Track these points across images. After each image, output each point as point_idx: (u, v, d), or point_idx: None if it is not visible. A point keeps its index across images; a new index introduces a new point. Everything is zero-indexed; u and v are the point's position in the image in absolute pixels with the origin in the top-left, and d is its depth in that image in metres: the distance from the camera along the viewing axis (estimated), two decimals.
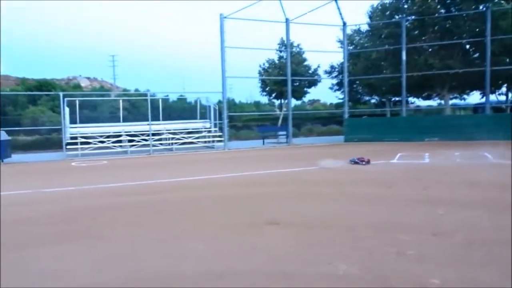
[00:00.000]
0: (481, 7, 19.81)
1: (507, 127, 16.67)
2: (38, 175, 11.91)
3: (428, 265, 3.72)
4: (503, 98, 25.76)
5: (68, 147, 16.59)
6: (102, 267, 3.93)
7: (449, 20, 21.21)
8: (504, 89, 24.62)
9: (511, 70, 20.36)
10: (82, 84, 58.30)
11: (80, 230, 5.33)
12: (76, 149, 16.77)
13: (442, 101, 24.55)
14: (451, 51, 21.17)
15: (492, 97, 23.59)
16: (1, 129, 15.78)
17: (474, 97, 26.25)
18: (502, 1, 20.54)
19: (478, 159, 11.50)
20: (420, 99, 27.89)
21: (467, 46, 21.86)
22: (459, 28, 20.74)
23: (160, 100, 20.92)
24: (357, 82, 26.65)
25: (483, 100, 21.43)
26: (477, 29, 20.13)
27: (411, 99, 27.47)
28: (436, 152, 13.56)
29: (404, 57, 20.09)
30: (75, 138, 17.01)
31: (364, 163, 10.89)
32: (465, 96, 26.13)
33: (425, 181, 8.26)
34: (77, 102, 18.68)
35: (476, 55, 21.63)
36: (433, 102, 27.21)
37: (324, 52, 23.06)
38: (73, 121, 18.07)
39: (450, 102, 25.51)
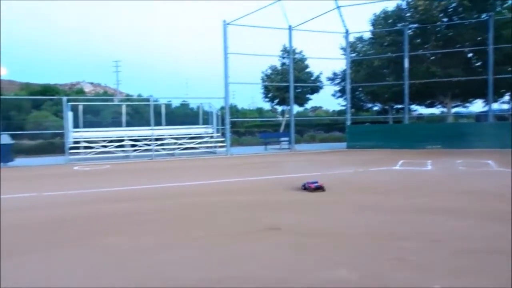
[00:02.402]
0: (483, 16, 19.89)
1: (509, 135, 16.68)
2: (40, 179, 11.94)
3: (427, 272, 3.73)
4: (506, 106, 25.78)
5: (71, 151, 16.65)
6: (99, 273, 3.95)
7: (451, 28, 21.30)
8: (506, 97, 24.63)
9: None
10: (86, 89, 58.48)
11: (79, 236, 5.34)
12: (78, 153, 16.81)
13: (445, 109, 24.56)
14: (453, 59, 21.23)
15: (495, 106, 23.60)
16: (4, 133, 15.88)
17: (477, 106, 26.30)
18: (504, 11, 20.64)
19: (481, 167, 11.48)
20: (422, 106, 27.94)
21: (469, 55, 21.91)
22: (461, 36, 20.81)
23: (163, 106, 21.00)
24: (360, 89, 26.73)
25: (486, 108, 21.43)
26: (479, 38, 20.19)
27: (413, 106, 27.51)
28: (438, 159, 13.55)
29: (406, 64, 20.13)
30: (78, 142, 17.08)
31: (309, 188, 8.04)
32: (467, 104, 26.15)
33: (426, 189, 8.26)
34: (80, 107, 18.77)
35: (479, 63, 21.67)
36: (436, 110, 27.25)
37: (327, 59, 23.15)
38: (76, 125, 18.14)
39: (453, 110, 25.53)
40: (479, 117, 26.10)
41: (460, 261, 4.01)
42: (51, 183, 10.80)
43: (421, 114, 30.01)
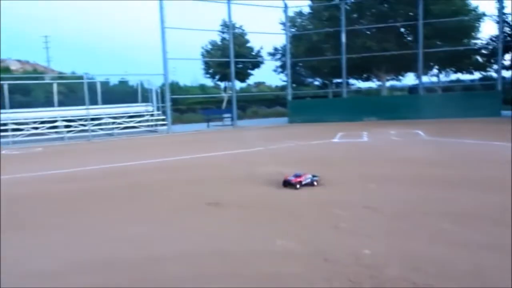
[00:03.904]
0: None
1: (437, 106, 17.88)
2: None
3: (360, 237, 3.93)
4: (435, 79, 27.36)
5: None
6: (41, 255, 3.77)
7: (385, 4, 22.01)
8: (435, 70, 26.11)
9: (442, 53, 21.63)
10: (13, 67, 54.12)
11: (17, 219, 5.06)
12: (6, 137, 15.68)
13: (381, 83, 25.59)
14: (387, 34, 22.03)
15: (425, 79, 24.95)
16: None
17: (410, 79, 27.62)
18: None
19: (412, 137, 12.19)
20: (360, 81, 28.89)
21: (402, 30, 22.85)
22: (394, 11, 21.59)
23: (98, 83, 19.99)
24: (300, 64, 27.06)
25: (417, 81, 22.63)
26: (411, 13, 21.07)
27: (351, 81, 28.36)
28: (373, 131, 14.18)
29: (343, 39, 20.62)
30: (5, 124, 15.90)
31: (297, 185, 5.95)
32: (401, 77, 27.40)
33: (362, 159, 8.63)
34: (6, 86, 17.38)
35: (410, 38, 22.68)
36: (372, 84, 28.28)
37: (267, 33, 23.09)
38: (2, 106, 16.82)
39: (388, 83, 26.66)
40: (412, 90, 27.52)
41: (392, 225, 4.26)
42: None
43: (359, 88, 31.08)
